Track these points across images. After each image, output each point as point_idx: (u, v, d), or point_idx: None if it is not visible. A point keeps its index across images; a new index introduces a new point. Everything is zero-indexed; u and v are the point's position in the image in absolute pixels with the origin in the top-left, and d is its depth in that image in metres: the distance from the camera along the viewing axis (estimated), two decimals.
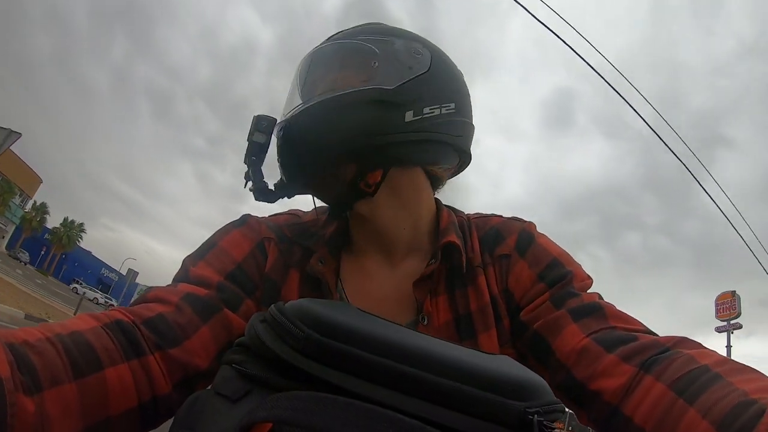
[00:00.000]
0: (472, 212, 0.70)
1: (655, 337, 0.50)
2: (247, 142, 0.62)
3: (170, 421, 0.41)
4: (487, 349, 0.55)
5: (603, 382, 0.47)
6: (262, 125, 0.61)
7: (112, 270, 55.09)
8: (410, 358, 0.32)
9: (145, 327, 0.48)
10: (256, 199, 0.61)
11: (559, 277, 0.57)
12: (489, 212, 0.69)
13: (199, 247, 0.61)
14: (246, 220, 0.65)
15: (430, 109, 0.58)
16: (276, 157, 0.62)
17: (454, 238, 0.60)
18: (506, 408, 0.31)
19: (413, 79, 0.58)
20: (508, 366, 0.34)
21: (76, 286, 39.02)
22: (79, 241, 47.39)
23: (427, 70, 0.59)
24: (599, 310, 0.54)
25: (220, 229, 0.64)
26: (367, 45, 0.60)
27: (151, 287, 0.55)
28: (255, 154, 0.61)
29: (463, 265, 0.60)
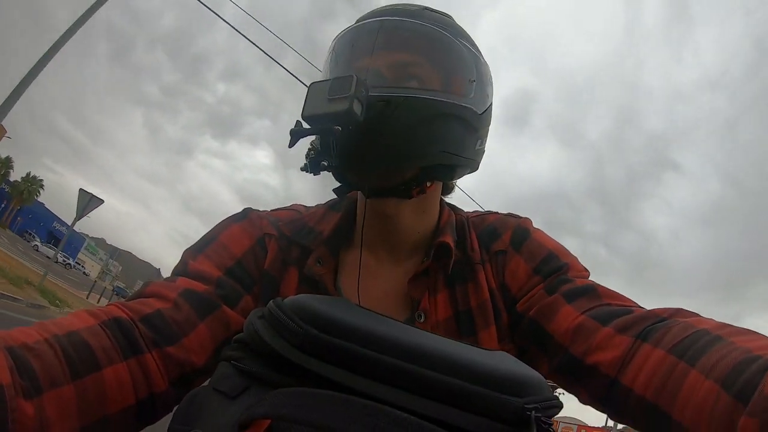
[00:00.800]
0: (471, 211, 0.70)
1: (650, 310, 0.49)
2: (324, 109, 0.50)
3: (168, 417, 0.41)
4: (487, 346, 0.55)
5: (599, 355, 0.47)
6: (362, 93, 0.50)
7: (63, 224, 53.45)
8: (408, 354, 0.32)
9: (143, 324, 0.48)
10: (310, 171, 0.56)
11: (555, 269, 0.58)
12: (486, 210, 0.70)
13: (199, 240, 0.61)
14: (247, 214, 0.64)
15: (484, 142, 0.61)
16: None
17: (447, 238, 0.60)
18: (504, 404, 0.31)
19: (488, 108, 0.60)
20: (505, 362, 0.35)
21: (37, 243, 38.82)
22: (37, 196, 46.53)
23: (492, 101, 0.62)
24: (592, 290, 0.53)
25: (221, 222, 0.63)
26: (469, 55, 0.59)
27: (149, 281, 0.55)
28: (342, 124, 0.50)
29: (449, 267, 0.59)
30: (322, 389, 0.30)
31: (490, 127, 0.64)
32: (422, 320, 0.58)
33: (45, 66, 6.51)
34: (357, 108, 0.49)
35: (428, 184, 0.60)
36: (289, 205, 0.69)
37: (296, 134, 0.53)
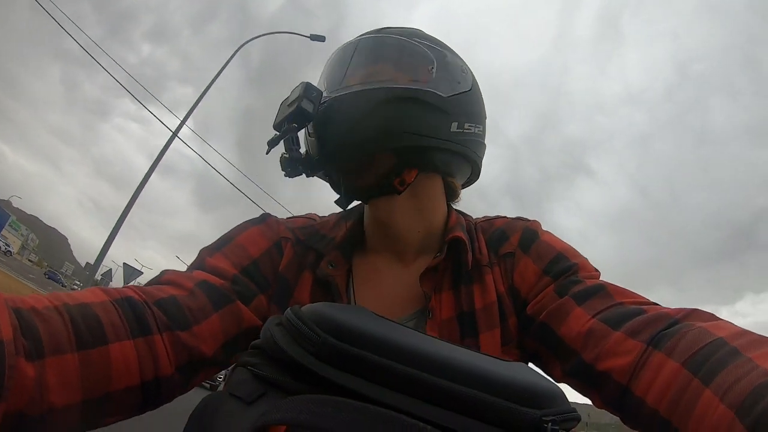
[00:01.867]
0: (479, 217, 0.71)
1: (664, 309, 0.48)
2: (287, 107, 0.58)
3: (171, 418, 0.41)
4: (489, 349, 0.55)
5: (611, 361, 0.46)
6: (311, 94, 0.58)
7: None
8: (424, 363, 0.31)
9: (156, 307, 0.48)
10: (284, 170, 0.61)
11: (565, 269, 0.57)
12: (494, 215, 0.70)
13: (216, 240, 0.62)
14: (265, 219, 0.66)
15: (468, 126, 0.61)
16: (308, 132, 0.61)
17: (460, 233, 0.61)
18: (521, 415, 0.30)
19: (460, 93, 0.61)
20: (523, 373, 0.34)
21: None
22: None
23: (470, 89, 0.63)
24: (602, 289, 0.53)
25: (239, 225, 0.65)
26: (424, 49, 0.62)
27: (166, 270, 0.56)
28: (298, 122, 0.58)
29: (469, 262, 0.60)
30: (339, 397, 0.30)
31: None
32: (431, 317, 0.58)
33: None
34: (307, 106, 0.57)
35: (407, 172, 0.60)
36: (304, 214, 0.71)
37: (271, 142, 0.60)
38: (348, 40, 0.66)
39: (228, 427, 0.33)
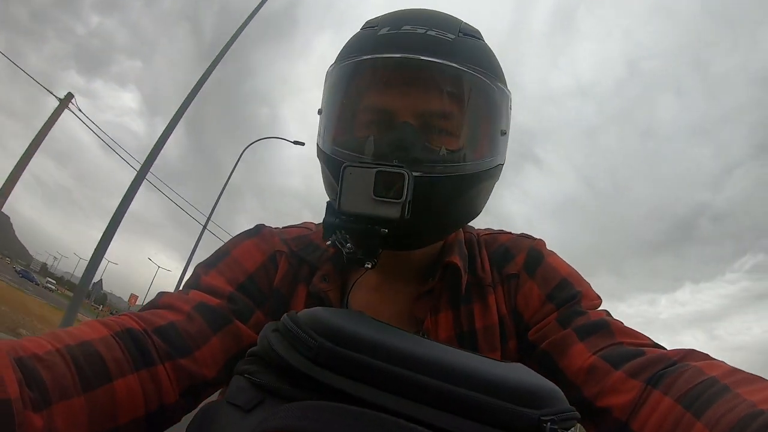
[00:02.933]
0: (482, 228, 0.69)
1: (662, 350, 0.49)
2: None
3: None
4: None
5: (611, 399, 0.47)
6: (396, 188, 0.45)
7: None
8: (423, 366, 0.31)
9: (156, 336, 0.48)
10: (359, 263, 0.51)
11: (569, 297, 0.56)
12: (497, 228, 0.69)
13: (211, 255, 0.62)
14: (260, 230, 0.64)
15: None
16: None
17: (455, 259, 0.59)
18: (520, 416, 0.30)
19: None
20: (521, 374, 0.34)
21: None
22: None
23: None
24: (606, 327, 0.53)
25: (233, 238, 0.64)
26: (503, 100, 0.55)
27: (162, 292, 0.55)
28: (390, 228, 0.47)
29: (463, 286, 0.58)
30: (337, 402, 0.30)
31: None
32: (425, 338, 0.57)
33: None
34: (405, 211, 0.45)
35: None
36: (300, 223, 0.69)
37: (332, 228, 0.48)
38: (402, 47, 0.51)
39: None
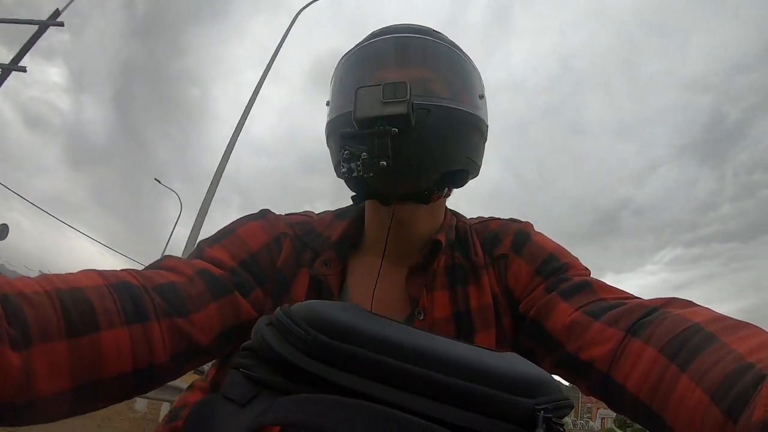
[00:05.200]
0: (474, 218, 0.72)
1: (642, 300, 0.49)
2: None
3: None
4: None
5: (592, 351, 0.47)
6: (400, 92, 0.51)
7: None
8: (417, 357, 0.32)
9: (155, 292, 0.47)
10: (356, 190, 0.59)
11: (555, 268, 0.58)
12: (488, 216, 0.72)
13: (216, 232, 0.62)
14: (265, 214, 0.66)
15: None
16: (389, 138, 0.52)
17: (441, 236, 0.62)
18: (515, 405, 0.31)
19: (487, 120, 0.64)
20: (516, 363, 0.34)
21: None
22: None
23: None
24: (588, 286, 0.54)
25: (238, 219, 0.65)
26: (476, 73, 0.65)
27: (167, 255, 0.56)
28: (400, 127, 0.51)
29: (440, 262, 0.61)
30: (332, 395, 0.30)
31: None
32: (421, 317, 0.58)
33: None
34: (400, 108, 0.51)
35: (447, 189, 0.62)
36: (302, 211, 0.71)
37: (349, 136, 0.54)
38: (393, 32, 0.62)
39: (222, 430, 0.33)
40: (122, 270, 0.49)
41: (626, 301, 0.50)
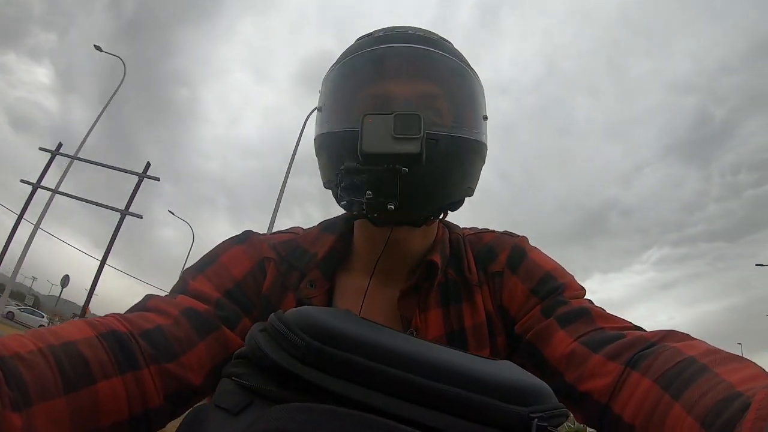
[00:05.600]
0: (467, 227, 0.70)
1: (641, 332, 0.49)
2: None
3: None
4: None
5: (591, 383, 0.47)
6: (414, 127, 0.48)
7: None
8: (411, 364, 0.31)
9: (142, 339, 0.47)
10: (372, 215, 0.53)
11: (552, 289, 0.57)
12: (482, 227, 0.70)
13: (199, 260, 0.61)
14: (248, 237, 0.64)
15: None
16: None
17: (436, 257, 0.60)
18: (509, 413, 0.30)
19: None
20: (510, 371, 0.34)
21: None
22: None
23: None
24: (587, 314, 0.53)
25: (221, 243, 0.63)
26: (481, 90, 0.61)
27: (149, 295, 0.55)
28: (409, 165, 0.48)
29: (434, 285, 0.60)
30: (325, 402, 0.30)
31: None
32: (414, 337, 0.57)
33: None
34: (412, 147, 0.48)
35: (444, 213, 0.61)
36: (287, 228, 0.69)
37: (354, 171, 0.50)
38: (397, 41, 0.58)
39: None
40: (108, 316, 0.49)
41: (625, 332, 0.50)
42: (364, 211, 0.51)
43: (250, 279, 0.60)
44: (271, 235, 0.67)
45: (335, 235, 0.64)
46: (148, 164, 11.22)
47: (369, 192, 0.49)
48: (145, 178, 10.85)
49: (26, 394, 0.36)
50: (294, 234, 0.67)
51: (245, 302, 0.58)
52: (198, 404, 0.39)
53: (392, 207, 0.50)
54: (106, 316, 0.49)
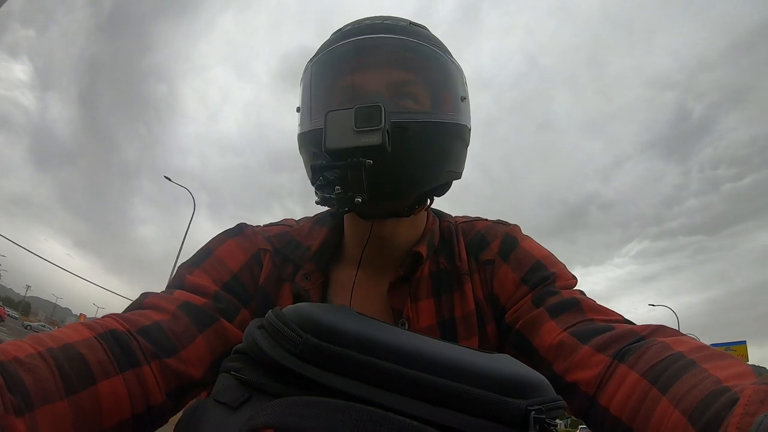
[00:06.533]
0: (460, 216, 0.70)
1: (631, 326, 0.49)
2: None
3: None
4: None
5: (579, 374, 0.47)
6: (375, 118, 0.47)
7: None
8: (408, 359, 0.31)
9: (141, 336, 0.47)
10: (340, 208, 0.52)
11: (542, 278, 0.57)
12: (474, 216, 0.70)
13: (194, 254, 0.61)
14: (242, 229, 0.64)
15: None
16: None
17: (422, 248, 0.60)
18: (508, 406, 0.30)
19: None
20: (508, 364, 0.34)
21: None
22: None
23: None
24: (576, 304, 0.53)
25: (215, 237, 0.63)
26: (457, 71, 0.61)
27: (146, 293, 0.55)
28: (374, 157, 0.48)
29: (419, 275, 0.60)
30: (324, 397, 0.30)
31: None
32: (406, 328, 0.57)
33: None
34: (385, 139, 0.47)
35: (429, 201, 0.61)
36: (280, 220, 0.70)
37: (320, 169, 0.49)
38: (364, 32, 0.57)
39: None
40: (106, 317, 0.49)
41: (614, 324, 0.50)
42: (335, 207, 0.51)
43: (246, 271, 0.60)
44: (265, 227, 0.67)
45: (327, 228, 0.65)
46: None
47: (337, 187, 0.49)
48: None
49: (28, 399, 0.36)
50: (287, 226, 0.67)
51: (243, 294, 0.59)
52: (197, 399, 0.39)
53: (359, 200, 0.49)
54: (103, 317, 0.49)
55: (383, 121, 0.47)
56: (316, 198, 0.52)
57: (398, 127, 0.51)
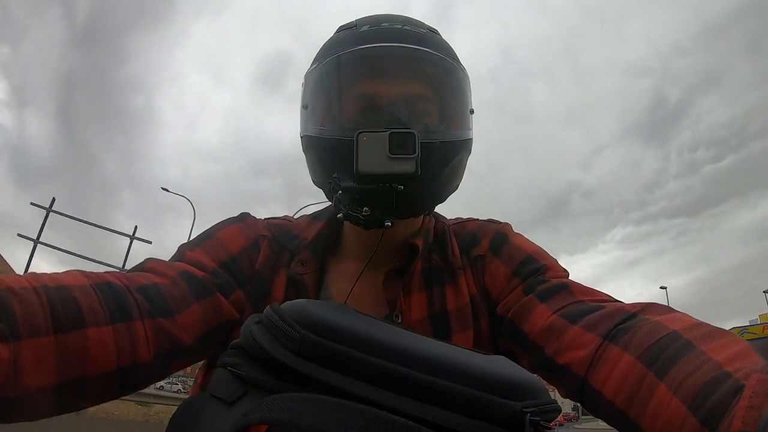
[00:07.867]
0: (452, 218, 0.71)
1: (621, 304, 0.49)
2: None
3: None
4: None
5: (569, 355, 0.47)
6: (409, 146, 0.48)
7: None
8: (404, 357, 0.32)
9: (138, 293, 0.48)
10: (368, 228, 0.52)
11: (533, 270, 0.58)
12: (466, 217, 0.71)
13: (196, 236, 0.63)
14: (244, 218, 0.66)
15: None
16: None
17: (418, 240, 0.61)
18: (501, 407, 0.31)
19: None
20: (503, 366, 0.34)
21: None
22: None
23: None
24: (565, 288, 0.54)
25: (218, 223, 0.65)
26: (467, 83, 0.62)
27: (149, 258, 0.56)
28: (406, 183, 0.48)
29: (415, 267, 0.61)
30: (320, 394, 0.30)
31: None
32: (399, 321, 0.58)
33: None
34: (407, 167, 0.48)
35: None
36: (281, 216, 0.72)
37: (349, 191, 0.50)
38: (384, 39, 0.56)
39: (209, 428, 0.32)
40: (105, 272, 0.49)
41: (604, 304, 0.49)
42: (362, 226, 0.52)
43: (244, 255, 0.62)
44: (266, 219, 0.69)
45: (323, 222, 0.66)
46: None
47: (366, 209, 0.50)
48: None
49: (15, 328, 0.37)
50: (287, 220, 0.69)
51: (239, 275, 0.60)
52: (192, 395, 0.39)
53: (389, 224, 0.51)
54: (103, 273, 0.49)
55: (417, 150, 0.48)
56: (339, 213, 0.52)
57: (425, 149, 0.51)
